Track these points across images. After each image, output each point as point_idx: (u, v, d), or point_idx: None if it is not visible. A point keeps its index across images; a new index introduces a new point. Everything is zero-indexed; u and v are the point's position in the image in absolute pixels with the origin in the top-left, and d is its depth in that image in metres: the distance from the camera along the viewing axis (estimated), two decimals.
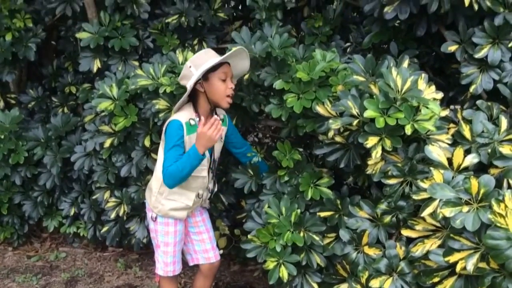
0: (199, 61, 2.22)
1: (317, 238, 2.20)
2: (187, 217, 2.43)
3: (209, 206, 2.62)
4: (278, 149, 2.51)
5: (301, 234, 2.22)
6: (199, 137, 2.14)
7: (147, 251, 3.53)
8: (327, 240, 2.26)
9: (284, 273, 2.17)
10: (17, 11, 3.31)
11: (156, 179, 2.35)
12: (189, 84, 2.22)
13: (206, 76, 2.23)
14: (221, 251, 2.64)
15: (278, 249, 2.18)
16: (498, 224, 1.62)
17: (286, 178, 2.46)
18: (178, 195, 2.32)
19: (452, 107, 2.45)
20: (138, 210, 3.04)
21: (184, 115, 2.28)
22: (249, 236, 2.31)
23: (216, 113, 2.39)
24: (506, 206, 1.64)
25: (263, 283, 3.20)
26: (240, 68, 2.36)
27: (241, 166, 2.62)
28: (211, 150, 2.37)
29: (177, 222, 2.39)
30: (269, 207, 2.35)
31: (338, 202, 2.28)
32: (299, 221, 2.24)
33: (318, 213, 2.26)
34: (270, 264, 2.19)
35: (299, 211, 2.25)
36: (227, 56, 2.22)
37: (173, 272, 2.45)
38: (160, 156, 2.34)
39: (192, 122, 2.27)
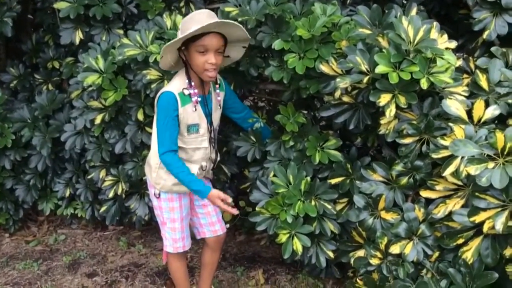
0: (184, 26, 2.03)
1: (329, 207, 2.10)
2: None
3: (212, 176, 2.49)
4: (281, 112, 2.36)
5: (313, 203, 2.10)
6: (215, 201, 2.08)
7: (149, 227, 3.43)
8: (339, 206, 2.16)
9: (298, 245, 2.07)
10: None
11: (154, 154, 2.20)
12: (167, 49, 2.05)
13: (187, 44, 2.05)
14: (227, 225, 2.53)
15: (290, 220, 2.07)
16: None
17: (291, 143, 2.33)
18: None
19: (461, 54, 2.31)
20: (137, 187, 2.91)
21: (176, 84, 2.12)
22: (257, 208, 2.20)
23: (217, 81, 2.24)
24: None
25: (271, 252, 3.12)
26: (236, 37, 2.13)
27: (242, 133, 2.48)
28: (210, 119, 2.22)
29: (181, 196, 2.27)
30: (275, 175, 2.24)
31: (348, 166, 2.16)
32: (309, 189, 2.13)
33: (328, 181, 2.14)
34: (283, 237, 2.09)
35: (308, 178, 2.13)
36: (198, 29, 1.95)
37: (183, 248, 2.35)
38: (155, 130, 2.19)
39: (186, 92, 2.11)
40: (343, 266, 2.56)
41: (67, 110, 3.09)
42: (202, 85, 2.16)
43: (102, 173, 2.92)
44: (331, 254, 2.16)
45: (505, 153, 1.61)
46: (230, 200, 2.09)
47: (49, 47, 3.38)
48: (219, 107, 2.29)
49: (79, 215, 3.35)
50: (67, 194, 3.25)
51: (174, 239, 2.32)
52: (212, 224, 2.41)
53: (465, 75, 2.06)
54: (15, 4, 3.14)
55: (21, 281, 2.99)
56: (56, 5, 2.89)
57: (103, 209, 3.07)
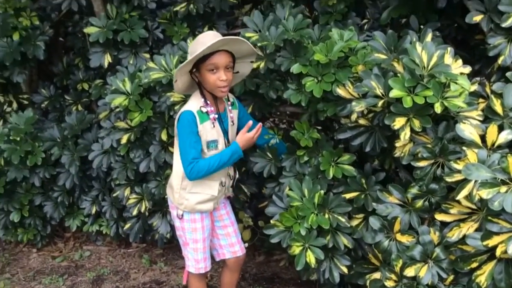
0: (193, 48, 2.13)
1: (343, 220, 2.13)
2: (213, 210, 2.37)
3: (233, 194, 2.56)
4: (296, 129, 2.42)
5: (326, 216, 2.14)
6: (242, 139, 2.19)
7: (171, 245, 3.50)
8: (355, 222, 2.19)
9: (311, 257, 2.09)
10: (22, 10, 3.25)
11: (176, 175, 2.28)
12: (179, 73, 2.14)
13: (197, 66, 2.14)
14: (246, 244, 2.57)
15: (303, 232, 2.11)
16: None
17: (305, 158, 2.37)
18: (202, 187, 2.25)
19: (477, 79, 2.32)
20: (160, 205, 2.99)
21: (194, 103, 2.20)
22: (271, 221, 2.24)
23: (229, 100, 2.33)
24: None
25: (290, 273, 3.14)
26: (243, 52, 2.21)
27: (258, 149, 2.53)
28: (227, 135, 2.29)
29: (203, 217, 2.33)
30: (290, 189, 2.28)
31: (363, 181, 2.19)
32: (323, 202, 2.16)
33: (343, 195, 2.17)
34: (296, 249, 2.12)
35: (322, 192, 2.17)
36: (206, 49, 2.04)
37: (205, 269, 2.40)
38: (177, 150, 2.27)
39: (204, 110, 2.19)
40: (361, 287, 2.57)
41: (95, 130, 3.22)
42: (216, 103, 2.24)
43: (127, 191, 3.02)
44: (345, 270, 2.18)
45: None
46: (258, 125, 2.24)
47: (79, 70, 3.54)
48: (233, 124, 2.36)
49: (104, 232, 3.45)
50: (93, 211, 3.36)
51: (196, 260, 2.37)
52: (232, 245, 2.46)
53: (481, 100, 2.08)
54: (47, 28, 3.32)
55: None
56: (87, 30, 3.04)
57: (127, 226, 3.16)
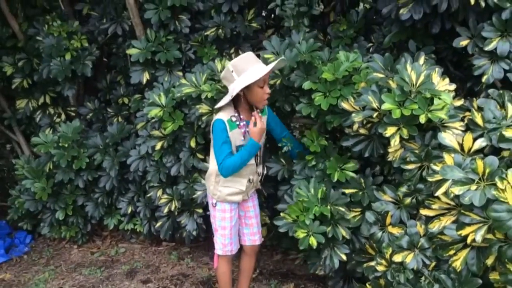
0: (240, 67, 2.50)
1: (342, 209, 2.45)
2: (242, 201, 2.74)
3: (261, 187, 2.92)
4: (306, 137, 2.77)
5: (328, 207, 2.46)
6: (253, 132, 2.51)
7: (197, 244, 3.87)
8: (353, 214, 2.50)
9: (313, 241, 2.39)
10: (74, 33, 3.73)
11: (212, 171, 2.68)
12: (233, 91, 2.49)
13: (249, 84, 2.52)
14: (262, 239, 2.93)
15: (307, 222, 2.43)
16: (501, 199, 1.82)
17: (313, 163, 2.71)
18: (232, 182, 2.64)
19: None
20: (188, 205, 3.36)
21: (225, 114, 2.59)
22: (281, 214, 2.57)
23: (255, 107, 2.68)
24: (508, 183, 1.84)
25: (303, 270, 3.45)
26: (275, 68, 2.63)
27: (274, 156, 2.90)
28: None
29: (232, 208, 2.71)
30: (299, 187, 2.61)
31: (362, 181, 2.52)
32: (325, 197, 2.49)
33: (343, 190, 2.50)
34: (301, 234, 2.43)
35: (324, 188, 2.50)
36: (269, 70, 2.48)
37: (231, 252, 2.77)
38: (212, 153, 2.66)
39: (234, 119, 2.58)
40: (364, 281, 2.86)
41: (133, 138, 3.65)
42: (249, 111, 2.63)
43: (159, 192, 3.41)
44: (344, 257, 2.49)
45: (485, 177, 1.93)
46: (253, 117, 2.54)
47: (120, 86, 4.00)
48: None
49: (138, 230, 3.85)
50: (129, 211, 3.76)
51: (223, 244, 2.75)
52: (253, 234, 2.86)
53: (467, 113, 2.39)
54: (94, 50, 3.77)
55: (86, 284, 3.49)
56: (129, 51, 3.49)
57: (158, 224, 3.54)
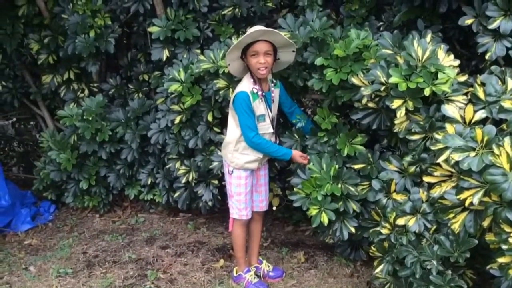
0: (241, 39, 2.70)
1: (352, 189, 2.61)
2: (256, 169, 2.93)
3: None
4: (317, 114, 2.92)
5: (339, 185, 2.63)
6: (295, 156, 2.83)
7: (212, 215, 4.06)
8: (361, 188, 2.66)
9: (324, 218, 2.58)
10: (97, 11, 3.87)
11: (231, 139, 2.84)
12: (229, 58, 2.74)
13: (245, 53, 2.72)
14: (274, 208, 3.11)
15: (320, 198, 2.60)
16: (497, 164, 1.97)
17: (325, 139, 2.88)
18: (250, 150, 2.82)
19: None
20: (204, 176, 3.54)
21: (246, 85, 2.77)
22: (295, 189, 2.75)
23: (273, 81, 2.88)
24: (504, 149, 1.98)
25: (313, 240, 3.63)
26: (280, 41, 2.72)
27: (287, 131, 3.07)
28: (270, 109, 2.85)
29: (247, 175, 2.88)
30: (312, 163, 2.77)
31: (370, 155, 2.67)
32: (337, 174, 2.65)
33: (352, 165, 2.66)
34: (313, 211, 2.62)
35: (337, 166, 2.66)
36: (245, 37, 2.63)
37: (246, 216, 2.95)
38: (231, 123, 2.85)
39: (255, 90, 2.75)
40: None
41: (153, 113, 3.83)
42: (261, 84, 2.79)
43: (178, 164, 3.59)
44: (353, 230, 2.66)
45: (484, 145, 2.07)
46: (307, 157, 2.80)
47: (140, 63, 4.17)
48: (273, 101, 2.90)
49: (156, 200, 4.04)
50: (149, 182, 3.96)
51: (239, 209, 2.93)
52: (261, 201, 3.05)
53: (471, 88, 2.53)
54: (117, 28, 3.94)
55: (109, 249, 3.70)
56: (150, 29, 3.65)
57: (176, 194, 3.73)
